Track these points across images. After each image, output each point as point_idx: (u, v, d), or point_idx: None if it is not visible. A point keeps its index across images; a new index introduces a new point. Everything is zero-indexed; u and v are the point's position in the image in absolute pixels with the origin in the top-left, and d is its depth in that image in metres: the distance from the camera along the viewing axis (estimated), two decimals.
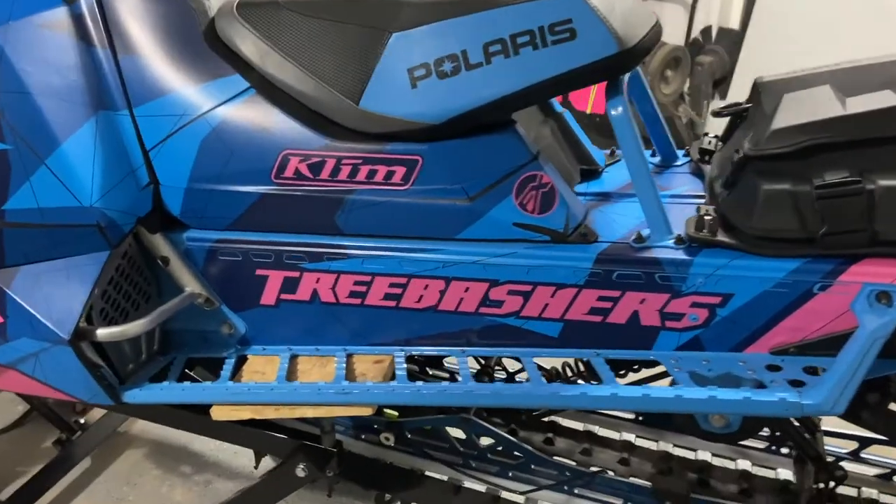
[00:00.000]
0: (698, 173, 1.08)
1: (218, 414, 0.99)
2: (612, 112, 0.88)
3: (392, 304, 0.99)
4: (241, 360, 1.06)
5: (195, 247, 1.03)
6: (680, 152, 1.17)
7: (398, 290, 0.98)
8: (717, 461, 1.29)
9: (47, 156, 0.92)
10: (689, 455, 1.29)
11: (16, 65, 0.91)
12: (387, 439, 1.23)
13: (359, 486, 1.31)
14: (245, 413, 0.98)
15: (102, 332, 0.94)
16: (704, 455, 1.28)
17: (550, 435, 1.30)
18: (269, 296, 1.04)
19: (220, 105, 0.96)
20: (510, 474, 1.21)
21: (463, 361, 0.98)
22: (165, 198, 1.01)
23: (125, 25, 0.97)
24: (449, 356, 1.07)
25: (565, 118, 1.13)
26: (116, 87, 0.97)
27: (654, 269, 0.87)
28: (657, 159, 1.15)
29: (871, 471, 1.23)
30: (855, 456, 1.23)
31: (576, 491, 1.18)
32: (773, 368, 0.85)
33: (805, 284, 0.82)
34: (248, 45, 0.96)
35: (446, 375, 1.41)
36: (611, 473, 1.22)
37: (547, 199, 0.92)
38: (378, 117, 0.91)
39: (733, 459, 1.29)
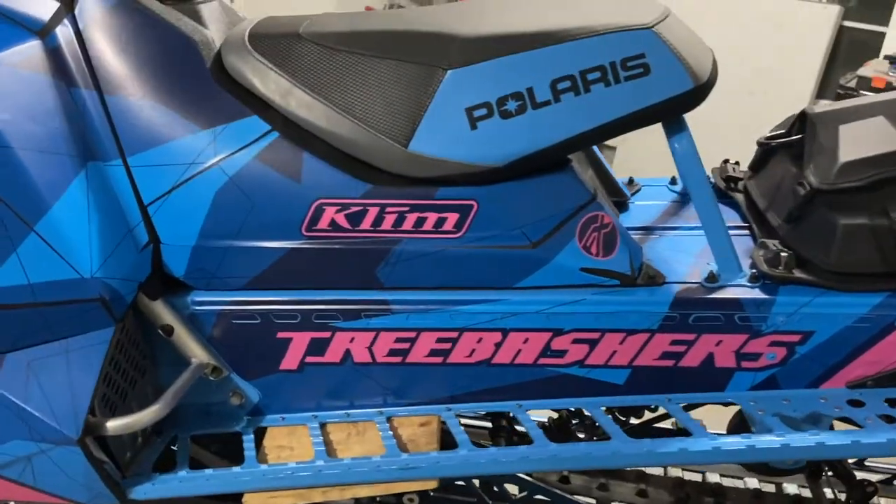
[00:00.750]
0: (728, 201, 1.06)
1: (251, 502, 0.86)
2: (677, 146, 0.84)
3: (438, 360, 0.91)
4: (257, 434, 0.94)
5: (202, 311, 0.90)
6: None
7: (447, 346, 0.89)
8: (727, 482, 1.29)
9: (36, 221, 0.76)
10: (698, 478, 1.29)
11: None
12: (410, 501, 1.13)
13: None
14: (287, 500, 0.86)
15: (113, 425, 0.80)
16: (714, 477, 1.28)
17: (565, 473, 1.26)
18: (291, 360, 0.92)
19: (237, 151, 0.84)
20: None
21: (526, 418, 0.90)
22: (166, 258, 0.87)
23: (111, 61, 0.83)
24: (504, 412, 0.99)
25: (592, 147, 1.08)
26: (106, 133, 0.82)
27: (733, 311, 0.84)
28: (679, 187, 1.12)
29: (874, 476, 1.27)
30: (860, 465, 1.27)
31: None
32: (854, 404, 0.84)
33: (887, 318, 0.82)
34: (268, 82, 0.84)
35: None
36: None
37: (609, 240, 0.86)
38: (429, 161, 0.82)
39: (740, 478, 1.30)
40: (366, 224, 0.85)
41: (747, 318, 0.84)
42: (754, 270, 0.85)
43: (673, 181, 1.13)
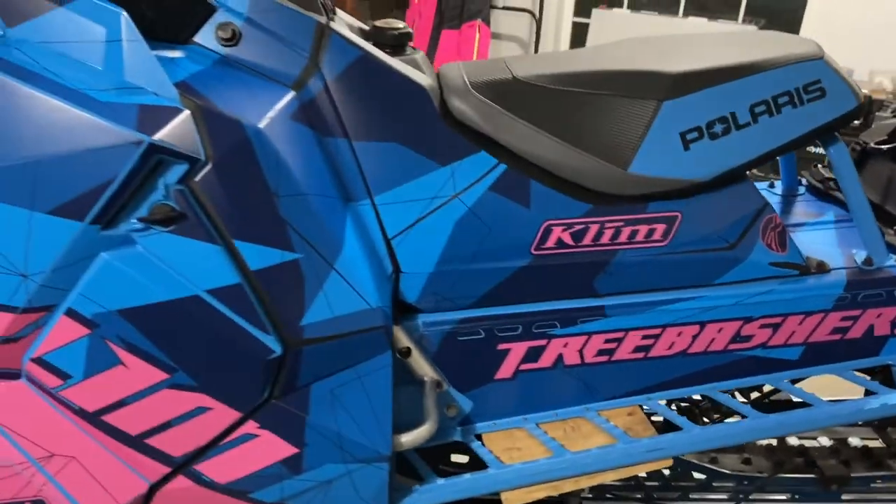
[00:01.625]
0: (828, 199, 1.24)
1: (511, 499, 0.95)
2: (834, 153, 1.01)
3: (640, 355, 1.03)
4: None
5: (432, 332, 0.98)
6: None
7: (650, 342, 1.02)
8: (807, 443, 1.47)
9: (335, 259, 0.83)
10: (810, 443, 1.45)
11: (283, 165, 0.81)
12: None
13: None
14: (542, 493, 0.95)
15: (407, 440, 0.87)
16: (792, 440, 1.46)
17: (714, 455, 1.39)
18: (506, 369, 1.02)
19: (473, 184, 0.93)
20: (691, 496, 1.29)
21: (726, 398, 1.04)
22: (403, 286, 0.95)
23: (355, 110, 0.90)
24: (696, 394, 1.12)
25: None
26: (356, 176, 0.90)
27: (892, 287, 1.01)
28: (778, 189, 1.29)
29: None
30: None
31: (751, 497, 1.29)
32: None
33: None
34: (493, 120, 0.94)
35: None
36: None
37: (782, 237, 1.01)
38: (646, 180, 0.94)
39: (814, 438, 1.48)
40: (587, 240, 0.96)
41: None
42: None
43: (771, 185, 1.31)
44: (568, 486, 0.96)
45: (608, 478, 0.97)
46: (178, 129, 0.74)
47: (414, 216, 0.92)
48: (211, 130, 0.76)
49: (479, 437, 1.03)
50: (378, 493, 0.88)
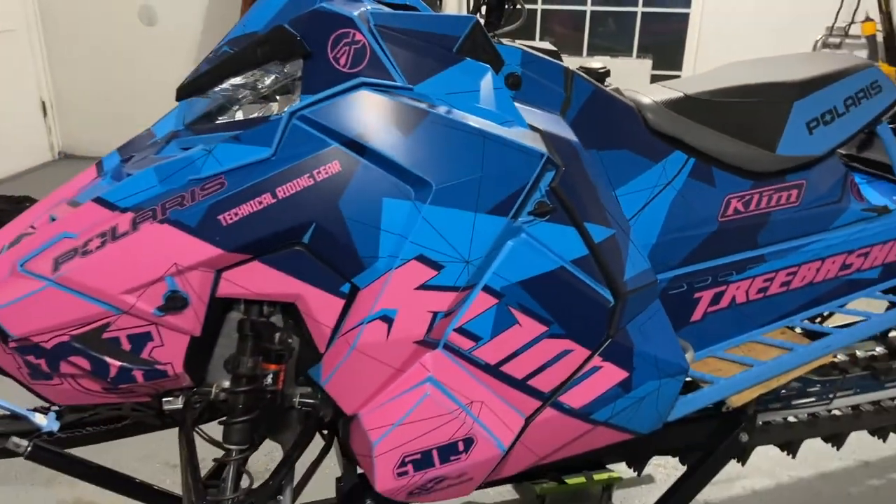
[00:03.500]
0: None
1: (737, 400, 1.29)
2: (883, 134, 1.45)
3: (784, 289, 1.41)
4: None
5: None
6: None
7: (791, 277, 1.40)
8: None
9: (627, 233, 1.14)
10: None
11: (589, 165, 1.12)
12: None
13: None
14: (757, 391, 1.30)
15: (689, 358, 1.19)
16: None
17: None
18: (698, 312, 1.36)
19: (678, 174, 1.28)
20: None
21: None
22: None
23: (595, 126, 1.22)
24: (822, 312, 1.51)
25: None
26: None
27: None
28: None
29: None
30: None
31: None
32: None
33: None
34: (685, 127, 1.29)
35: None
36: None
37: (858, 190, 1.45)
38: (787, 159, 1.34)
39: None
40: (752, 207, 1.33)
41: None
42: None
43: None
44: (773, 384, 1.32)
45: (798, 373, 1.34)
46: (544, 147, 1.03)
47: (643, 201, 1.25)
48: (556, 146, 1.06)
49: None
50: (670, 404, 1.19)
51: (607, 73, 1.34)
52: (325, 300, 0.99)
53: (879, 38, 3.89)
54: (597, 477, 1.89)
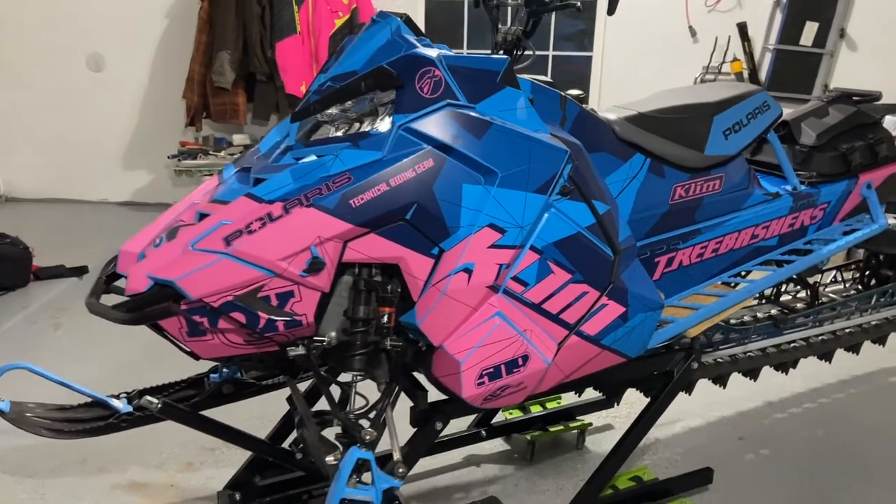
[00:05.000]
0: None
1: (693, 332, 1.76)
2: (772, 140, 2.00)
3: (714, 254, 1.91)
4: None
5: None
6: None
7: (718, 245, 1.91)
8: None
9: (617, 209, 1.60)
10: None
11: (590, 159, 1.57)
12: None
13: None
14: (711, 322, 1.79)
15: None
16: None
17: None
18: (657, 273, 1.84)
19: (639, 170, 1.76)
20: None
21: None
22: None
23: (583, 135, 1.68)
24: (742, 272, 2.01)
25: None
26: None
27: (807, 199, 2.02)
28: None
29: None
30: None
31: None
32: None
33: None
34: (642, 136, 1.77)
35: None
36: None
37: (758, 178, 1.98)
38: (710, 157, 1.85)
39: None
40: (691, 192, 1.83)
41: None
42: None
43: None
44: (715, 319, 1.81)
45: (728, 313, 1.83)
46: (565, 146, 1.48)
47: (618, 190, 1.72)
48: (568, 146, 1.51)
49: None
50: (650, 333, 1.65)
51: (585, 100, 1.81)
52: (421, 260, 1.37)
53: (745, 74, 4.68)
54: (573, 425, 2.36)
